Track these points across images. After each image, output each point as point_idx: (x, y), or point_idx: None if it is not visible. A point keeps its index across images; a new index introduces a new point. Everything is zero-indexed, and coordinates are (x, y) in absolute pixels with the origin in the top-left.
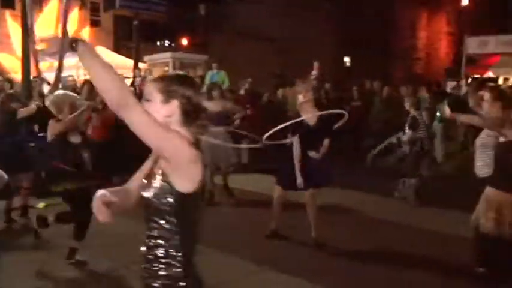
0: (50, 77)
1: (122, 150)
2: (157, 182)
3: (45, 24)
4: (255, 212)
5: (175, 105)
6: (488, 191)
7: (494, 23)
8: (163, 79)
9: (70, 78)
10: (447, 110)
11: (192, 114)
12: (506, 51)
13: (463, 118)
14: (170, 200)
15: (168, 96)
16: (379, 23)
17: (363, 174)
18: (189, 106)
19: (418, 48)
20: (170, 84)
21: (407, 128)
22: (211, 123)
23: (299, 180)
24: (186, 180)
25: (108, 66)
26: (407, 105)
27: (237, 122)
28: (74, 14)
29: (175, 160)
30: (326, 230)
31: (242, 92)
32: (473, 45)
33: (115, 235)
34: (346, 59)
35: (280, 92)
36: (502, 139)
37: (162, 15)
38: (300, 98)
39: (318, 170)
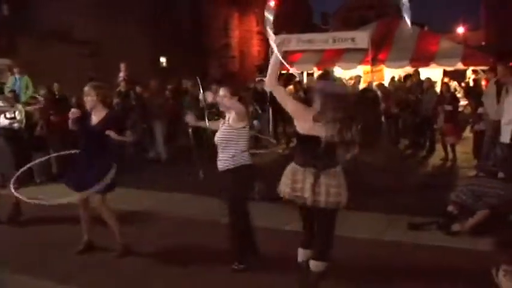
0: None
1: None
2: None
3: None
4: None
5: None
6: None
7: (298, 23)
8: None
9: None
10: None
11: None
12: (307, 49)
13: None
14: None
15: None
16: (192, 22)
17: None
18: None
19: (231, 47)
20: None
21: None
22: None
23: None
24: None
25: None
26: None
27: (38, 128)
28: None
29: None
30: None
31: (40, 97)
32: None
33: None
34: (162, 60)
35: None
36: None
37: None
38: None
39: (99, 174)
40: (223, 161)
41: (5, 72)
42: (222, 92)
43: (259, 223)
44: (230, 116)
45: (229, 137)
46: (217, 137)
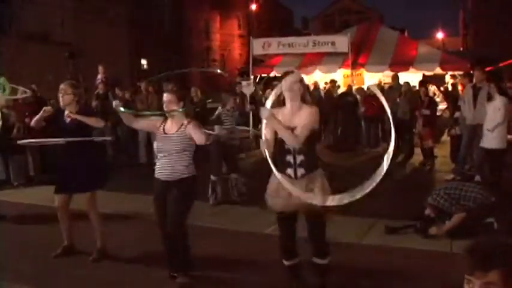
0: None
1: None
2: None
3: None
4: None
5: None
6: None
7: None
8: None
9: None
10: None
11: None
12: (287, 52)
13: None
14: None
15: None
16: (174, 25)
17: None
18: None
19: (213, 50)
20: None
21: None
22: None
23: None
24: None
25: None
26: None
27: (15, 131)
28: None
29: None
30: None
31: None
32: (258, 46)
33: None
34: (143, 62)
35: None
36: None
37: None
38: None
39: (89, 173)
40: (175, 170)
41: None
42: (166, 97)
43: (240, 227)
44: (188, 125)
45: (185, 145)
46: (172, 144)
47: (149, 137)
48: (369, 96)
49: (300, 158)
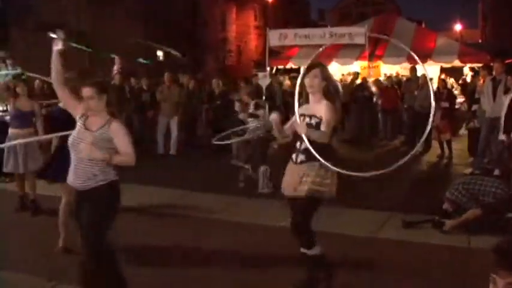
0: None
1: None
2: None
3: None
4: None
5: None
6: None
7: (295, 19)
8: None
9: None
10: None
11: None
12: (304, 44)
13: None
14: None
15: None
16: (190, 16)
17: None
18: None
19: (229, 42)
20: None
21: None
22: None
23: None
24: None
25: None
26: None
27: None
28: None
29: None
30: None
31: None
32: (274, 38)
33: None
34: (159, 53)
35: None
36: None
37: None
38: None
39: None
40: (91, 175)
41: None
42: (85, 92)
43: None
44: (112, 124)
45: (105, 150)
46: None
47: (168, 127)
48: (386, 88)
49: (304, 145)
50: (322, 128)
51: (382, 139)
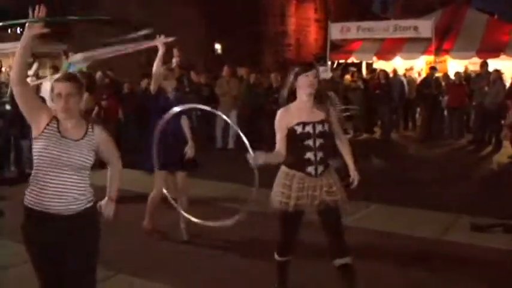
0: None
1: None
2: None
3: None
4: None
5: None
6: None
7: (357, 10)
8: None
9: None
10: None
11: None
12: (367, 37)
13: None
14: None
15: None
16: (248, 9)
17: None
18: None
19: (288, 35)
20: None
21: None
22: None
23: None
24: None
25: None
26: None
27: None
28: None
29: None
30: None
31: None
32: (336, 31)
33: None
34: (217, 46)
35: (144, 82)
36: None
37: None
38: None
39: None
40: (75, 198)
41: (60, 57)
42: (64, 88)
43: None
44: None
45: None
46: (77, 156)
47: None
48: (453, 85)
49: (319, 155)
50: (334, 129)
51: (447, 138)
